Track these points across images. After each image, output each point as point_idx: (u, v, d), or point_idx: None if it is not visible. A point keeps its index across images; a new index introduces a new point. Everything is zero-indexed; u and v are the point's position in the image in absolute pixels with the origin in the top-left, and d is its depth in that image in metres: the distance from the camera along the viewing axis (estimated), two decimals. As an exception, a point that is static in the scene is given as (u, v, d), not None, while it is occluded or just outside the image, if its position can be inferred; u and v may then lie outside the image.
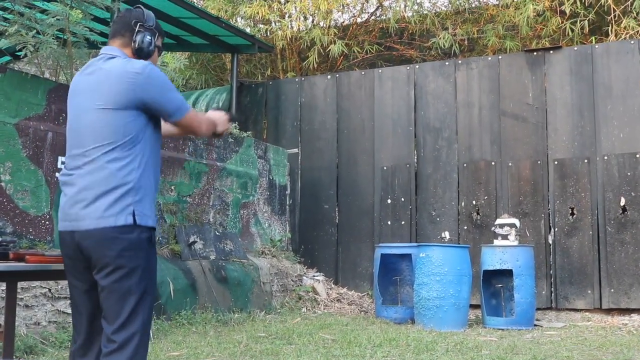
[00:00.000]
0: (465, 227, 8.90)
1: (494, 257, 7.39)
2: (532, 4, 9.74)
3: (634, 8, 9.28)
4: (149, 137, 2.82)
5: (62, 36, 6.66)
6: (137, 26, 2.94)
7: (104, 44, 3.06)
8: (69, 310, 3.94)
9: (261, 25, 11.80)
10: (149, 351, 5.04)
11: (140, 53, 2.93)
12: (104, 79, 2.78)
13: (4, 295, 3.89)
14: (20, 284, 5.19)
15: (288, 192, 9.65)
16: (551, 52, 8.82)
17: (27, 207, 5.75)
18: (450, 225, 9.01)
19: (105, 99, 2.74)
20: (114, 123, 2.72)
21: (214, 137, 3.28)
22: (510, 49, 10.27)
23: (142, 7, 3.03)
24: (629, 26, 9.25)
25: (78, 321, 2.86)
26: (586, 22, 9.60)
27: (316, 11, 10.97)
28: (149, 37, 2.95)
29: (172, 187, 7.41)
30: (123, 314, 2.67)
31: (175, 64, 9.88)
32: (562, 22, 9.82)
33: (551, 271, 8.43)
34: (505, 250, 7.37)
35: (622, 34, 9.31)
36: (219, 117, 3.21)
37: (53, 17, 6.30)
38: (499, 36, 10.58)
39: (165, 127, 3.06)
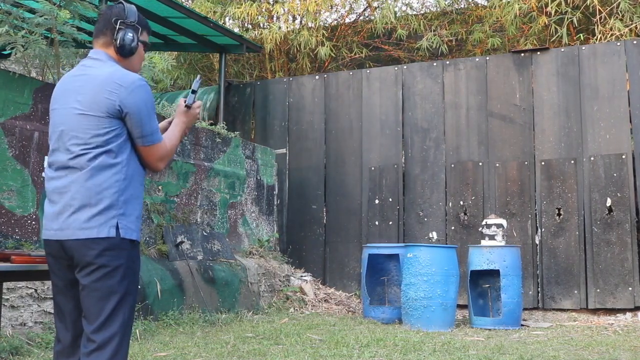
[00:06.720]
0: (453, 228, 8.93)
1: (481, 258, 7.41)
2: (518, 4, 9.78)
3: (620, 10, 9.34)
4: (133, 151, 2.78)
5: (49, 35, 6.63)
6: (118, 24, 2.87)
7: (92, 42, 3.01)
8: (55, 311, 3.93)
9: (249, 26, 11.80)
10: (135, 351, 5.04)
11: (123, 51, 2.87)
12: (87, 84, 2.75)
13: (-10, 295, 3.87)
14: (6, 285, 5.17)
15: (276, 192, 9.65)
16: (538, 53, 8.87)
17: (13, 207, 5.72)
18: (437, 225, 9.03)
19: (88, 105, 2.70)
20: (96, 129, 2.69)
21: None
22: (496, 47, 10.31)
23: (124, 3, 2.95)
24: (615, 27, 9.31)
25: (62, 322, 2.83)
26: (574, 19, 9.62)
27: (305, 12, 10.98)
28: (130, 34, 2.87)
29: (160, 187, 7.39)
30: (103, 314, 2.64)
31: (163, 64, 9.85)
32: (549, 22, 9.86)
33: (538, 271, 8.47)
34: (493, 250, 7.40)
35: (608, 34, 9.37)
36: (179, 122, 3.01)
37: (41, 17, 6.26)
38: (486, 35, 10.62)
39: None
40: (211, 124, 8.88)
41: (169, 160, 2.92)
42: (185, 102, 3.01)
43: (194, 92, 3.04)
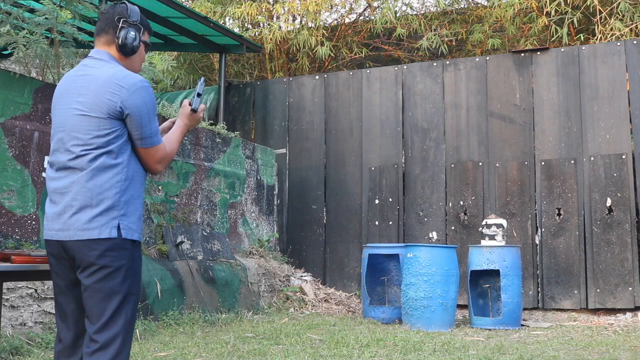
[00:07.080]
0: (453, 228, 8.93)
1: (481, 258, 7.41)
2: (518, 2, 9.80)
3: (620, 10, 9.34)
4: (134, 152, 2.79)
5: (49, 35, 6.63)
6: (121, 22, 2.87)
7: (92, 42, 3.00)
8: (56, 311, 3.93)
9: (249, 26, 11.80)
10: (135, 351, 5.04)
11: (125, 49, 2.87)
12: (88, 84, 2.74)
13: (-10, 295, 3.86)
14: (6, 285, 5.17)
15: (276, 192, 9.65)
16: (538, 53, 8.87)
17: (13, 207, 5.72)
18: (437, 225, 9.03)
19: (89, 106, 2.70)
20: (97, 130, 2.69)
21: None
22: (497, 47, 10.31)
23: (127, 3, 2.95)
24: (615, 27, 9.31)
25: (64, 322, 2.83)
26: (574, 20, 9.62)
27: (305, 12, 10.99)
28: (132, 33, 2.87)
29: (160, 187, 7.39)
30: (106, 314, 2.65)
31: (163, 65, 9.84)
32: (549, 22, 9.86)
33: (538, 271, 8.47)
34: (493, 250, 7.40)
35: (608, 34, 9.37)
36: (183, 123, 3.02)
37: (42, 16, 6.26)
38: (486, 36, 10.63)
39: None
40: (211, 124, 8.87)
41: (168, 163, 2.93)
42: (190, 104, 3.00)
43: (199, 95, 3.03)
